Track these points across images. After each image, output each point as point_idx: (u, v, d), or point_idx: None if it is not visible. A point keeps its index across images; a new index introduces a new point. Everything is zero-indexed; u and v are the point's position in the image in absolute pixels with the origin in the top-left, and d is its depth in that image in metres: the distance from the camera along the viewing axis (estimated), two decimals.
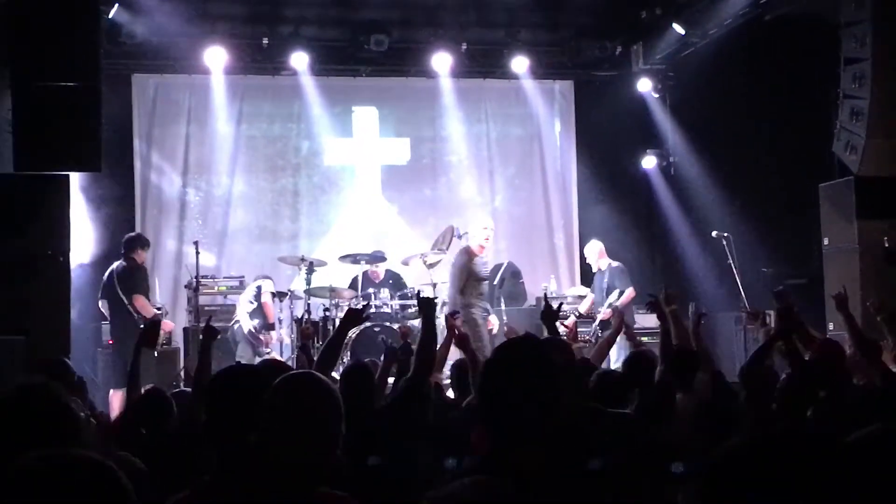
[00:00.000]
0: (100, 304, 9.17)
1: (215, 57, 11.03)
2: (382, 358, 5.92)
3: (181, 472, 3.19)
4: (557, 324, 5.48)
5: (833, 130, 8.94)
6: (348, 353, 8.87)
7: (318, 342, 8.62)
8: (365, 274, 10.42)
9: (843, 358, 5.15)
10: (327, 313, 9.74)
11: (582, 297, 10.69)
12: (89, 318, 9.96)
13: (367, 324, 9.24)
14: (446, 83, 12.02)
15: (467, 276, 8.89)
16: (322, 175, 12.29)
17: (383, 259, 10.55)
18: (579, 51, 11.97)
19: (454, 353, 6.30)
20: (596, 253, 10.23)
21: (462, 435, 3.58)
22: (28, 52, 7.27)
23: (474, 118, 12.54)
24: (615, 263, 10.11)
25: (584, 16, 11.93)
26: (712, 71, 10.96)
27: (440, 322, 7.02)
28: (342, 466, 2.92)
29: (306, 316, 9.71)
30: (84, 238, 9.95)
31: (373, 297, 10.03)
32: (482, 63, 12.03)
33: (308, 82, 11.67)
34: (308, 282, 9.89)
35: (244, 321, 10.19)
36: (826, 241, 9.29)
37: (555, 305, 5.43)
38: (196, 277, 9.93)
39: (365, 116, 12.29)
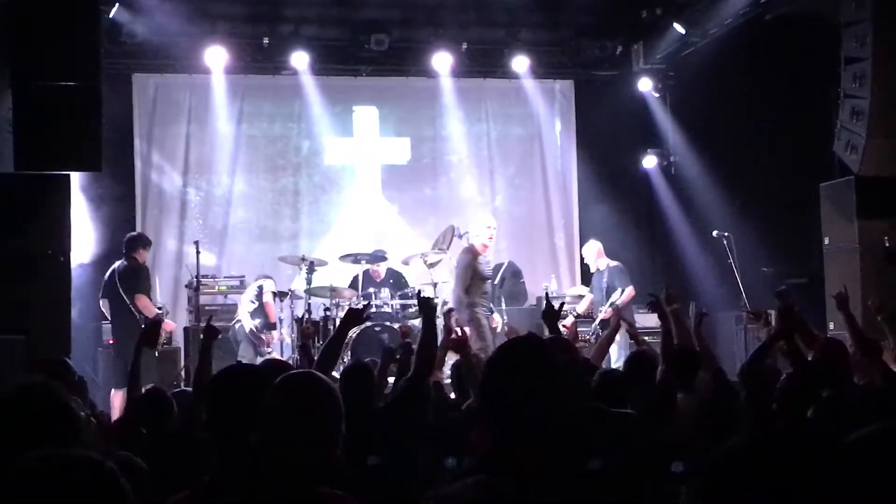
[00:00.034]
0: (101, 303, 9.16)
1: (216, 56, 11.03)
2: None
3: (181, 472, 3.19)
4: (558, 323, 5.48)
5: (833, 130, 8.94)
6: (349, 352, 8.87)
7: (318, 342, 8.62)
8: (366, 273, 10.42)
9: (846, 357, 5.13)
10: (328, 313, 9.74)
11: (581, 297, 10.68)
12: (90, 318, 9.96)
13: (368, 323, 9.24)
14: (447, 83, 12.01)
15: (472, 275, 8.88)
16: (322, 174, 12.29)
17: (384, 258, 10.54)
18: (580, 50, 11.97)
19: (454, 353, 6.30)
20: (594, 253, 10.22)
21: (462, 435, 3.58)
22: (28, 51, 7.27)
23: (475, 118, 12.54)
24: (614, 263, 10.10)
25: (584, 15, 11.93)
26: (713, 70, 10.96)
27: (441, 322, 7.01)
28: (342, 466, 2.92)
29: (307, 316, 9.71)
30: (84, 238, 9.94)
31: (373, 296, 10.03)
32: (482, 62, 12.03)
33: (308, 82, 11.67)
34: (308, 281, 9.89)
35: (246, 321, 10.19)
36: (826, 241, 9.29)
37: (556, 305, 5.43)
38: (196, 277, 9.93)
39: (365, 116, 12.29)
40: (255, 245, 11.91)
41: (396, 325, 9.22)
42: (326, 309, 9.80)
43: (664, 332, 5.78)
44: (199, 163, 11.90)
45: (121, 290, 8.77)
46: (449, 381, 6.01)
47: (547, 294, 7.21)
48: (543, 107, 12.62)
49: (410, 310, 9.98)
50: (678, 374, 5.02)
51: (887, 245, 8.60)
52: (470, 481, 2.02)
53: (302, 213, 12.16)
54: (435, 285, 9.61)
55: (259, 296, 10.30)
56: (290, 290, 10.23)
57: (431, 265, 9.95)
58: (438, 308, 7.63)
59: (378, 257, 10.47)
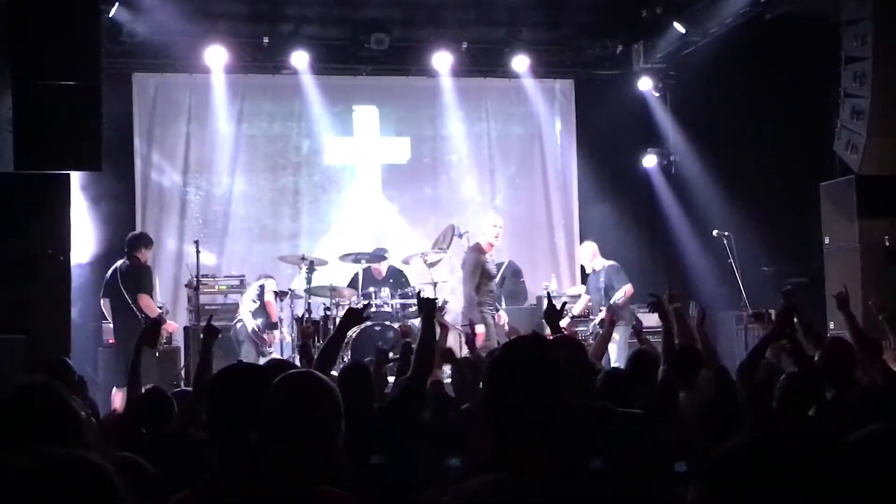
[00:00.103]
0: (101, 302, 9.15)
1: (216, 56, 11.03)
2: None
3: (182, 472, 3.19)
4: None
5: (834, 129, 8.94)
6: (349, 352, 8.87)
7: (318, 341, 8.62)
8: (367, 270, 10.42)
9: (852, 356, 5.11)
10: (328, 312, 9.74)
11: (577, 297, 10.66)
12: (90, 318, 9.96)
13: (368, 323, 9.24)
14: (447, 82, 12.01)
15: (480, 273, 8.88)
16: (322, 174, 12.29)
17: (384, 257, 10.54)
18: (580, 50, 11.98)
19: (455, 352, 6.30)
20: (590, 254, 10.21)
21: (462, 435, 3.58)
22: (28, 51, 7.26)
23: (475, 117, 12.53)
24: (609, 262, 10.09)
25: (584, 14, 11.92)
26: (713, 70, 10.96)
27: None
28: (342, 466, 2.92)
29: (307, 315, 9.71)
30: (84, 237, 9.95)
31: (373, 295, 10.03)
32: (483, 62, 12.02)
33: (308, 81, 11.66)
34: (308, 281, 9.89)
35: (248, 320, 10.19)
36: (827, 240, 9.29)
37: (558, 304, 5.43)
38: (196, 276, 9.92)
39: (365, 115, 12.28)
40: (255, 244, 11.90)
41: (396, 325, 9.22)
42: (326, 308, 9.80)
43: (665, 331, 5.77)
44: (199, 162, 11.89)
45: (123, 290, 8.76)
46: (449, 381, 6.01)
47: (548, 294, 7.21)
48: (544, 106, 12.62)
49: (410, 309, 9.98)
50: (680, 372, 5.02)
51: (888, 244, 8.60)
52: (488, 479, 2.01)
53: (302, 213, 12.15)
54: (435, 285, 9.61)
55: (261, 295, 10.30)
56: (290, 289, 10.22)
57: (431, 265, 9.95)
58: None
59: (378, 256, 10.47)
